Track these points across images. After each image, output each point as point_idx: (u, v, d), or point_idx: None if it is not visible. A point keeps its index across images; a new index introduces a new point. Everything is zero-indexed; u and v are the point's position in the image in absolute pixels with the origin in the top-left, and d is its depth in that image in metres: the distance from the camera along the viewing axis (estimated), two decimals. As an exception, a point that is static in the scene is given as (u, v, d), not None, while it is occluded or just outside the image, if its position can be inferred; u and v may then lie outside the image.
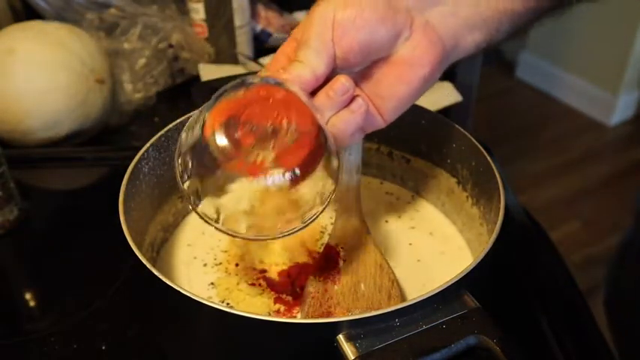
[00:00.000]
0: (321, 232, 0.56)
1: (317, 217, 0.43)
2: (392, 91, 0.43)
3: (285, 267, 0.52)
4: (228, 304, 0.49)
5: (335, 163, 0.42)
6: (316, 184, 0.41)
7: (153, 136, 0.53)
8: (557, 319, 0.54)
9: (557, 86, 2.26)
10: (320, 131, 0.41)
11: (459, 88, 0.84)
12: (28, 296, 0.59)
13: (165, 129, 0.54)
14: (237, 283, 0.51)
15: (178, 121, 0.55)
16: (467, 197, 0.55)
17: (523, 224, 0.63)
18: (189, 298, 0.39)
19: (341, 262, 0.49)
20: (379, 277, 0.48)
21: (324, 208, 0.43)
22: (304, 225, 0.43)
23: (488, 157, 0.51)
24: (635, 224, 0.77)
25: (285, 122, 0.40)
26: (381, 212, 0.59)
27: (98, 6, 0.87)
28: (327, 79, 0.42)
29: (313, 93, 0.42)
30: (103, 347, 0.51)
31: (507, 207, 0.46)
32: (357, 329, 0.38)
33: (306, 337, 0.40)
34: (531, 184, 1.88)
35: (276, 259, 0.53)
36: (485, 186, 0.51)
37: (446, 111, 0.77)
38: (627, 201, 1.00)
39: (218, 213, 0.42)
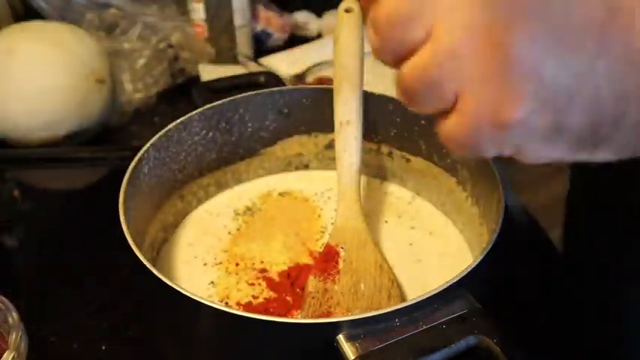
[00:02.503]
0: (321, 232, 0.56)
1: None
2: None
3: (285, 267, 0.52)
4: (227, 303, 0.49)
5: None
6: None
7: (153, 136, 0.53)
8: (557, 319, 0.54)
9: (557, 86, 2.26)
10: None
11: (459, 88, 0.84)
12: (28, 296, 0.59)
13: (166, 129, 0.54)
14: (237, 283, 0.51)
15: (178, 121, 0.55)
16: (467, 197, 0.55)
17: (523, 224, 0.63)
18: (189, 297, 0.39)
19: (341, 262, 0.49)
20: (379, 277, 0.48)
21: None
22: None
23: (488, 157, 0.50)
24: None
25: None
26: (381, 212, 0.59)
27: (98, 6, 0.87)
28: None
29: None
30: (103, 347, 0.51)
31: (507, 207, 0.46)
32: (357, 329, 0.38)
33: (306, 337, 0.40)
34: (531, 184, 1.88)
35: (276, 259, 0.53)
36: (485, 186, 0.51)
37: (446, 111, 0.77)
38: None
39: None
